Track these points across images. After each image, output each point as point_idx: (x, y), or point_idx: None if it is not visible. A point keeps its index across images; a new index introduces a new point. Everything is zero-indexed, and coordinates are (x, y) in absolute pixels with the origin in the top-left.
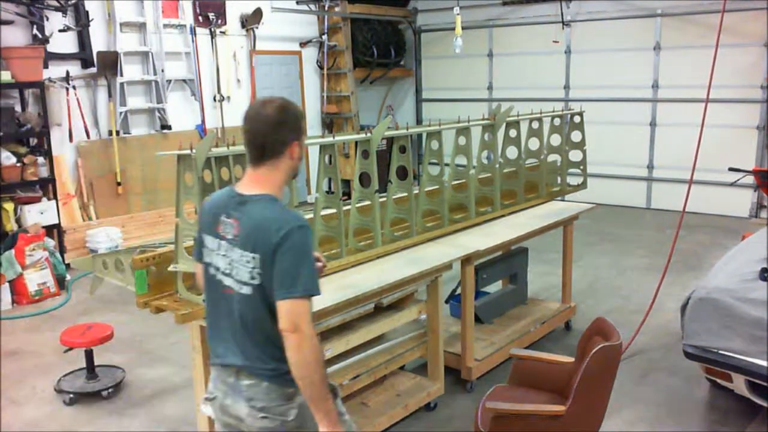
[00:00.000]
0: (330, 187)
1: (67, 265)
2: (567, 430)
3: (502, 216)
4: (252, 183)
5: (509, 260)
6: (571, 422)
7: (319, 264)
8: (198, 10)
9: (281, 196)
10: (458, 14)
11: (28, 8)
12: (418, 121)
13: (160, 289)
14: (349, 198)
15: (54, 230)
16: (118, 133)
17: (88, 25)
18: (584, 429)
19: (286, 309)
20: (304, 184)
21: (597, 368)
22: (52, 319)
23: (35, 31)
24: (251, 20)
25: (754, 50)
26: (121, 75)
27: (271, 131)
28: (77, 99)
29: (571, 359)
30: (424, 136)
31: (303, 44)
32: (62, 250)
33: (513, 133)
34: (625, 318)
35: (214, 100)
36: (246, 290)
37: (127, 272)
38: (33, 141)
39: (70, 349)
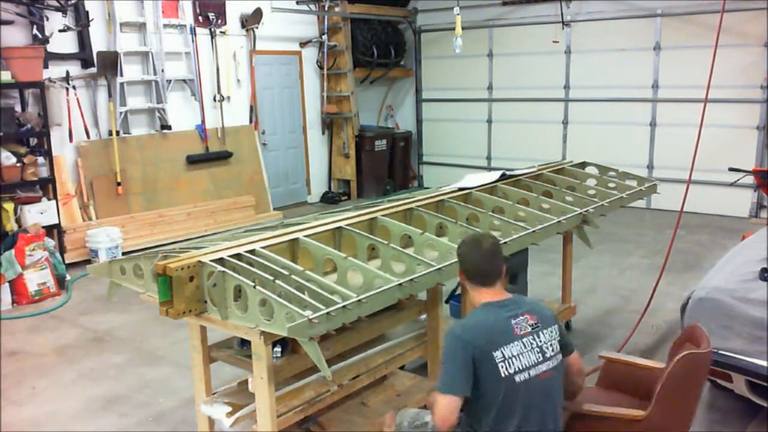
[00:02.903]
0: (330, 188)
1: (67, 265)
2: None
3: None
4: (499, 294)
5: (509, 260)
6: (651, 428)
7: None
8: (198, 10)
9: None
10: (458, 14)
11: (28, 8)
12: (418, 121)
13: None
14: (348, 198)
15: (54, 230)
16: (118, 133)
17: (88, 25)
18: None
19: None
20: (304, 184)
21: (681, 375)
22: (52, 319)
23: (35, 31)
24: (251, 20)
25: (754, 50)
26: (121, 75)
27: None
28: (77, 99)
29: (662, 365)
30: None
31: (303, 44)
32: (62, 250)
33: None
34: (625, 318)
35: (214, 100)
36: (559, 357)
37: (147, 278)
38: (33, 141)
39: None
